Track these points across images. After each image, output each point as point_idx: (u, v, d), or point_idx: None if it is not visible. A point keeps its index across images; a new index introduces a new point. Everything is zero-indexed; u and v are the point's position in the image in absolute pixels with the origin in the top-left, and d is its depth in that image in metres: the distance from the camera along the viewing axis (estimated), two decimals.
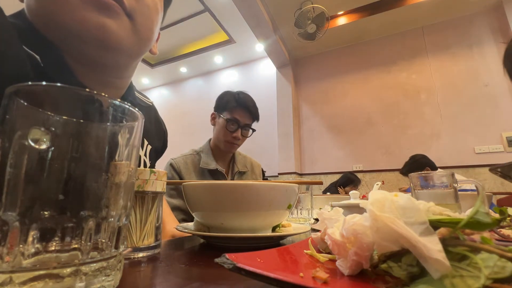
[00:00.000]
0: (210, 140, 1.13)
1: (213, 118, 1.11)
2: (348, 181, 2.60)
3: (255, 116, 1.09)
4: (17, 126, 0.16)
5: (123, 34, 0.37)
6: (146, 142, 0.59)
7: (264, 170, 1.29)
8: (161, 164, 0.78)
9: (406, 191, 1.84)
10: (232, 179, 1.08)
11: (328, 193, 2.30)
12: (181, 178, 0.98)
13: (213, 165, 1.02)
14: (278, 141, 3.47)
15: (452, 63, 2.96)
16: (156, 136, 0.65)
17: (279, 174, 3.33)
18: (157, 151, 0.65)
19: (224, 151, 1.08)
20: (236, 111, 1.04)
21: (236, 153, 1.16)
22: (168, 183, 0.44)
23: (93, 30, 0.34)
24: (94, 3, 0.34)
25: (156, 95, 5.00)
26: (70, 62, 0.38)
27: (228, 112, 1.04)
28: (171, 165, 1.01)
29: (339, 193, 2.44)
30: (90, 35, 0.34)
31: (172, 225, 0.66)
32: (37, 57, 0.35)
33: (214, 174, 1.02)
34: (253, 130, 1.10)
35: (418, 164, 1.90)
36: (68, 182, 0.17)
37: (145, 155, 0.58)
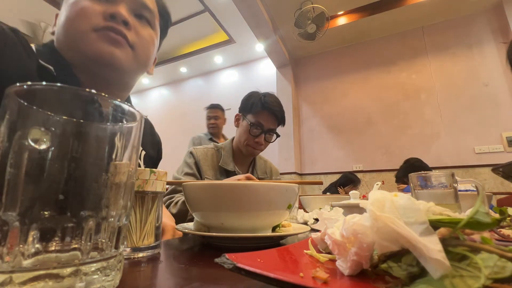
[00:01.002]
0: (233, 139, 1.09)
1: (237, 120, 1.07)
2: (348, 181, 2.60)
3: (280, 121, 1.04)
4: (17, 126, 0.16)
5: (127, 60, 0.49)
6: (140, 148, 0.62)
7: None
8: (162, 162, 0.78)
9: (403, 190, 1.84)
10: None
11: (328, 193, 2.30)
12: (198, 168, 0.96)
13: (231, 166, 1.00)
14: (278, 141, 3.46)
15: (452, 63, 2.95)
16: (150, 144, 0.70)
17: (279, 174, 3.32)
18: (152, 159, 0.70)
19: (245, 154, 1.05)
20: (261, 115, 1.00)
21: (257, 156, 1.12)
22: (168, 183, 0.44)
23: (105, 56, 0.46)
24: (107, 38, 0.46)
25: (156, 95, 4.99)
26: (80, 75, 0.48)
27: (252, 115, 1.00)
28: (190, 152, 0.99)
29: (339, 193, 2.44)
30: (103, 60, 0.46)
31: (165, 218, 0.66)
32: (51, 68, 0.45)
33: (230, 176, 0.99)
34: (278, 136, 1.05)
35: (413, 168, 1.89)
36: (68, 182, 0.17)
37: (140, 158, 0.61)
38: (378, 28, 3.23)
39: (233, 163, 1.02)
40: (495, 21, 2.80)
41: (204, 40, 3.71)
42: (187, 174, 0.94)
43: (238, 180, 0.73)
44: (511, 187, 2.40)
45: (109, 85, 0.53)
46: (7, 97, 0.17)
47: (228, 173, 1.00)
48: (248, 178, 0.73)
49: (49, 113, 0.17)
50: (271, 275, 0.15)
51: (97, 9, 0.45)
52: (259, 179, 1.06)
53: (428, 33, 3.13)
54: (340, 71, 3.55)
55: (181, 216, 0.82)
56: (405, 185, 1.97)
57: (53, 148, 0.17)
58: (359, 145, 3.25)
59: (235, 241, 0.38)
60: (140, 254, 0.32)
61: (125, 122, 0.20)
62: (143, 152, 0.66)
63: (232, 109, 2.76)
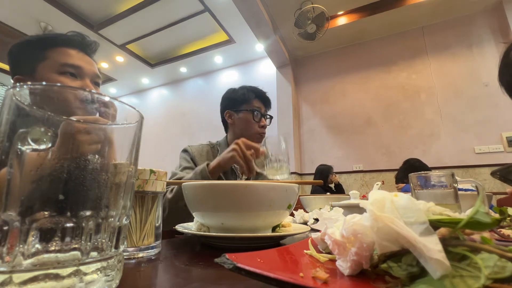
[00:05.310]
0: (226, 136, 1.10)
1: (229, 117, 1.08)
2: (325, 174, 2.64)
3: (269, 105, 1.11)
4: (17, 126, 0.16)
5: None
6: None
7: None
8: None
9: (401, 189, 1.84)
10: (247, 179, 1.05)
11: (328, 194, 2.31)
12: (195, 163, 0.97)
13: None
14: None
15: (452, 63, 2.95)
16: None
17: None
18: None
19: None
20: (255, 101, 1.05)
21: None
22: (168, 183, 0.44)
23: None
24: None
25: (156, 95, 4.99)
26: None
27: (247, 105, 1.04)
28: (185, 149, 1.00)
29: (327, 192, 2.46)
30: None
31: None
32: None
33: (226, 172, 0.98)
34: (271, 117, 1.11)
35: (413, 168, 1.89)
36: (68, 182, 0.17)
37: None
38: (378, 28, 3.23)
39: None
40: (495, 21, 2.80)
41: (204, 40, 3.71)
42: (186, 168, 0.94)
43: (232, 147, 0.75)
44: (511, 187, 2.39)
45: None
46: (7, 97, 0.17)
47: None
48: (243, 143, 0.75)
49: (49, 113, 0.17)
50: (271, 275, 0.15)
51: (75, 84, 0.67)
52: (258, 173, 1.05)
53: (428, 33, 3.13)
54: (340, 71, 3.55)
55: (178, 200, 0.81)
56: (404, 184, 1.96)
57: (53, 148, 0.17)
58: (359, 145, 3.25)
59: (235, 241, 0.38)
60: (140, 254, 0.32)
61: (125, 122, 0.20)
62: None
63: None
